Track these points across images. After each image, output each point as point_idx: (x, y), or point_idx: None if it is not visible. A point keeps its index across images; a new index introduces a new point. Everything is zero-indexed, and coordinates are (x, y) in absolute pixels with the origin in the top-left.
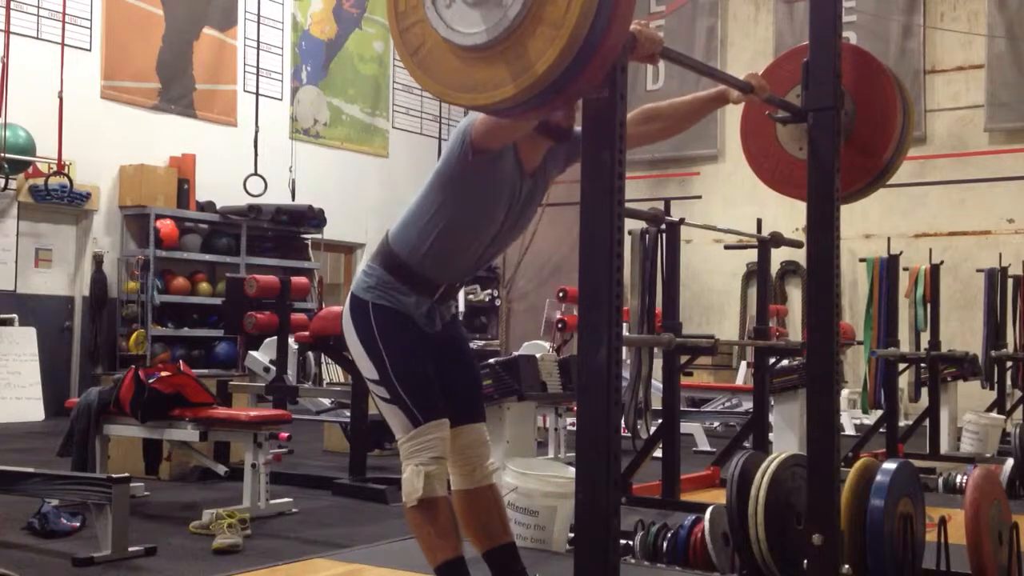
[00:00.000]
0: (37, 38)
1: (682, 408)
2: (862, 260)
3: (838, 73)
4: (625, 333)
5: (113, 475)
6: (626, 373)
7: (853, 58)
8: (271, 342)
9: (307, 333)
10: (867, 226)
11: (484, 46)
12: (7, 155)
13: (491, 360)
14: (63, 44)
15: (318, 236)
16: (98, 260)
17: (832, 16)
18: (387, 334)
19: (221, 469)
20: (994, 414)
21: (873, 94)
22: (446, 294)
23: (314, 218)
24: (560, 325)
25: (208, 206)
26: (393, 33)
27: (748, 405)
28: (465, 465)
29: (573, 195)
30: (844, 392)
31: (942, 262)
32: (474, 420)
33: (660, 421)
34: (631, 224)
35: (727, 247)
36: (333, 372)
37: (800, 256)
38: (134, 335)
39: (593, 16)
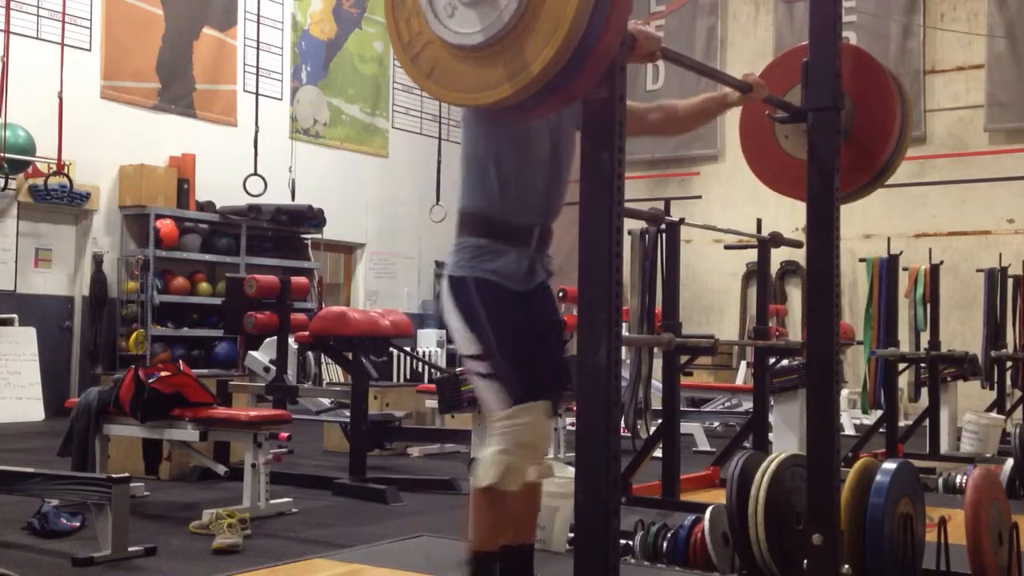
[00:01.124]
0: (37, 38)
1: (682, 408)
2: (862, 260)
3: (838, 73)
4: (625, 333)
5: (113, 475)
6: (626, 373)
7: (852, 58)
8: (271, 342)
9: (307, 333)
10: (867, 226)
11: (480, 46)
12: (7, 155)
13: None
14: (63, 44)
15: (318, 236)
16: (98, 260)
17: (832, 16)
18: (490, 308)
19: (221, 469)
20: (994, 414)
21: (872, 94)
22: (542, 240)
23: (314, 218)
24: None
25: (208, 206)
26: (391, 33)
27: (748, 405)
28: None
29: (573, 195)
30: (844, 392)
31: (942, 262)
32: (555, 410)
33: (660, 421)
34: (631, 224)
35: (727, 247)
36: (333, 372)
37: (800, 256)
38: (134, 335)
39: (589, 16)
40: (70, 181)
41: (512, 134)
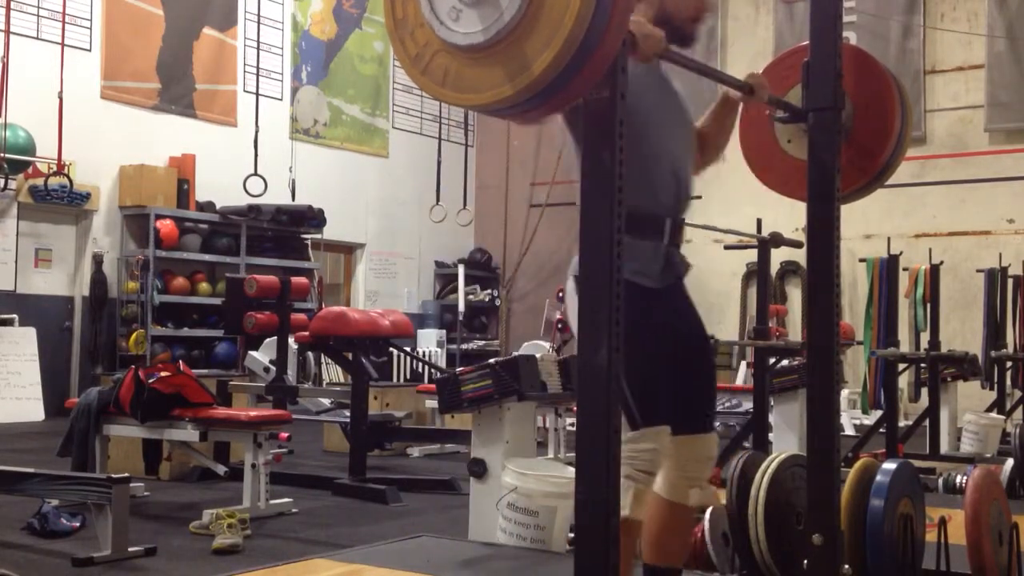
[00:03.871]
0: (37, 38)
1: None
2: (862, 260)
3: (839, 73)
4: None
5: (113, 475)
6: None
7: (852, 58)
8: (271, 342)
9: (307, 333)
10: (867, 226)
11: (481, 46)
12: (7, 155)
13: (491, 360)
14: (63, 44)
15: (318, 236)
16: (98, 260)
17: (833, 16)
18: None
19: (221, 469)
20: (994, 414)
21: (872, 95)
22: (675, 232)
23: (314, 218)
24: (560, 325)
25: (208, 206)
26: (398, 51)
27: (748, 405)
28: (681, 479)
29: (573, 195)
30: (844, 392)
31: (942, 262)
32: (702, 429)
33: None
34: None
35: (727, 247)
36: (333, 372)
37: (800, 256)
38: (134, 335)
39: (591, 17)
40: (70, 181)
41: (638, 121)
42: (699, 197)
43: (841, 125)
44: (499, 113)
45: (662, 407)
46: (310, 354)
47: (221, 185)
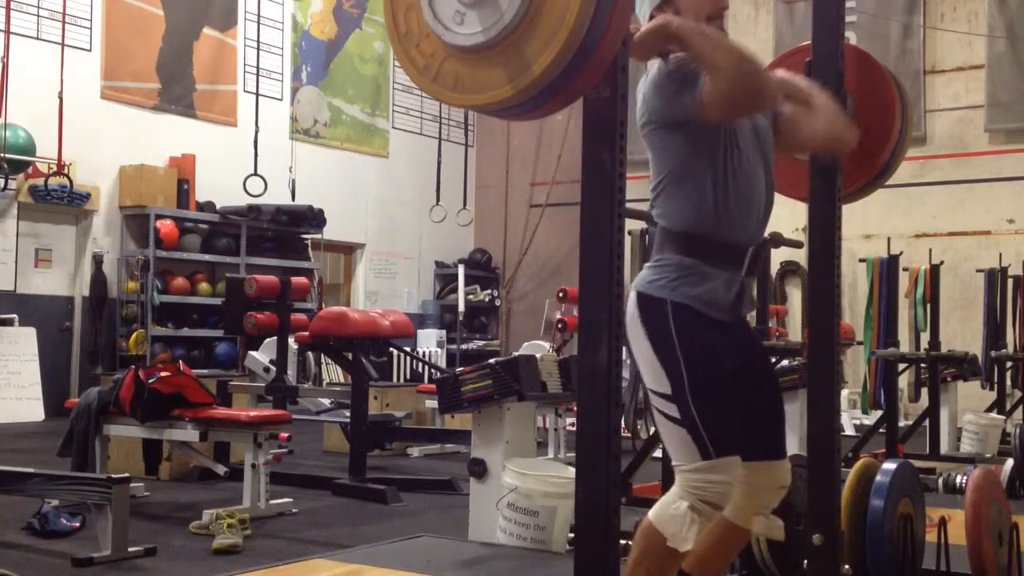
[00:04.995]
0: (37, 38)
1: None
2: (862, 260)
3: (841, 73)
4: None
5: (113, 475)
6: (626, 373)
7: (852, 59)
8: (271, 342)
9: (307, 333)
10: (867, 226)
11: (482, 47)
12: (7, 155)
13: (491, 360)
14: (63, 44)
15: (318, 236)
16: (98, 260)
17: (835, 16)
18: (689, 341)
19: (221, 469)
20: (994, 414)
21: (872, 95)
22: (753, 263)
23: (314, 218)
24: (560, 325)
25: (208, 206)
26: (404, 64)
27: None
28: (748, 505)
29: (573, 195)
30: (844, 392)
31: (942, 262)
32: (774, 456)
33: None
34: (631, 224)
35: None
36: (333, 372)
37: (800, 256)
38: (134, 335)
39: (591, 18)
40: (70, 181)
41: (722, 141)
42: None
43: None
44: (501, 113)
45: (734, 434)
46: (310, 354)
47: (221, 185)
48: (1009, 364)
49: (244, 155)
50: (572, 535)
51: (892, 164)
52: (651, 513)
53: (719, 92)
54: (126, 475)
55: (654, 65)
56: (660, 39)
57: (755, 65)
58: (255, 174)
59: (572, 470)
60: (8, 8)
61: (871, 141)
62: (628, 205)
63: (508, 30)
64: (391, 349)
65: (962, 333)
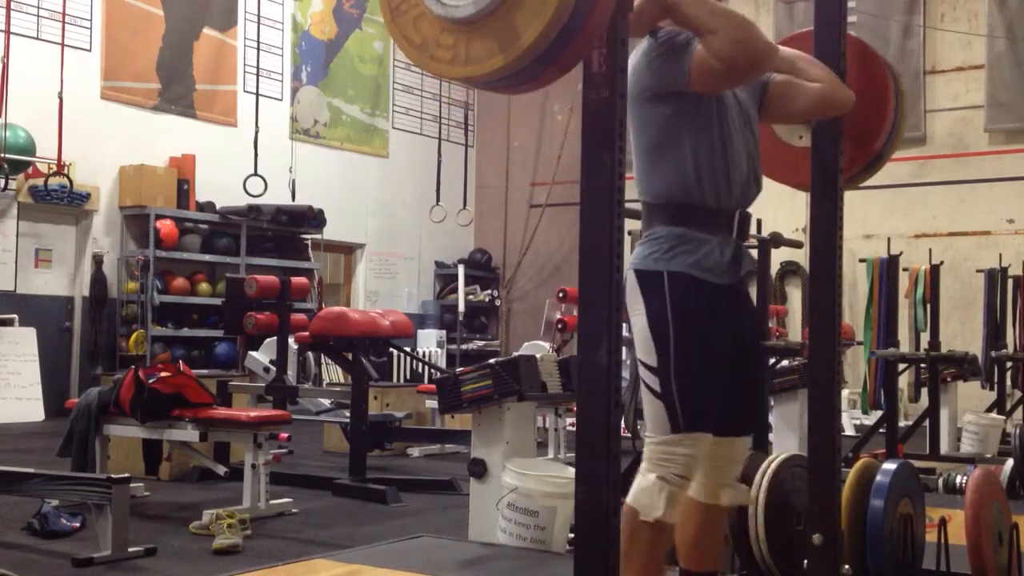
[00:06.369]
0: (37, 38)
1: None
2: (862, 260)
3: (843, 69)
4: (625, 333)
5: (113, 475)
6: (626, 373)
7: (848, 47)
8: (271, 342)
9: (307, 333)
10: (867, 226)
11: (473, 18)
12: (7, 155)
13: (491, 360)
14: (63, 44)
15: (318, 236)
16: (98, 260)
17: (836, 16)
18: (682, 315)
19: (221, 469)
20: (994, 414)
21: (866, 81)
22: (743, 225)
23: (314, 218)
24: (560, 325)
25: (208, 206)
26: (401, 43)
27: None
28: (712, 480)
29: (573, 195)
30: (844, 392)
31: (942, 262)
32: (738, 432)
33: None
34: (631, 224)
35: None
36: (333, 372)
37: (800, 256)
38: (134, 335)
39: None
40: (70, 181)
41: (699, 111)
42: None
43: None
44: (496, 85)
45: (708, 413)
46: (310, 354)
47: (221, 185)
48: (1009, 364)
49: (244, 155)
50: (572, 535)
51: (885, 153)
52: (628, 496)
53: (719, 56)
54: (126, 475)
55: (644, 40)
56: (658, 8)
57: (754, 28)
58: (255, 174)
59: (572, 470)
60: (8, 8)
61: (865, 128)
62: (628, 205)
63: (498, 1)
64: (391, 349)
65: (962, 333)
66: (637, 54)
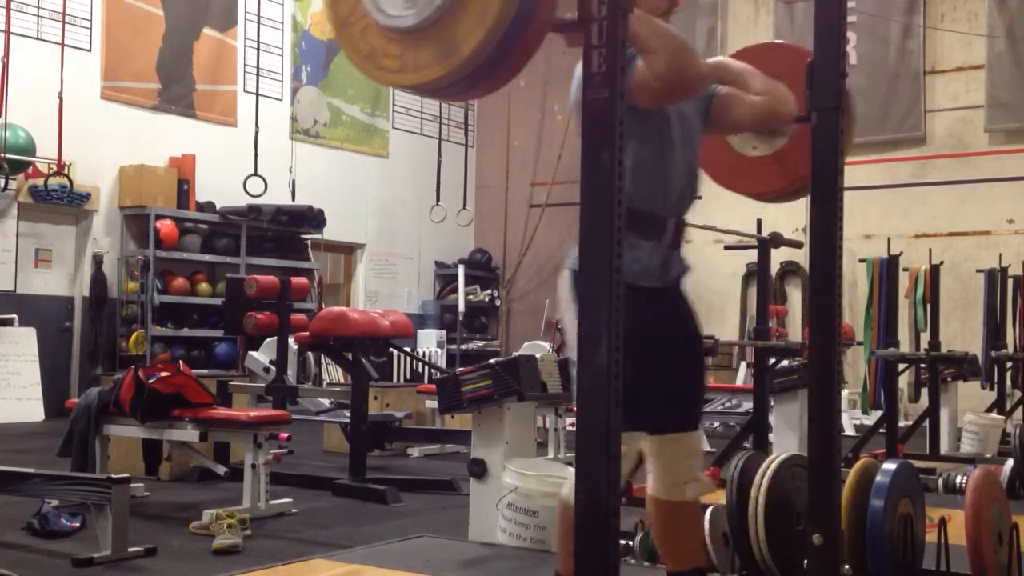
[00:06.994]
0: (37, 38)
1: None
2: (862, 260)
3: (843, 73)
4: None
5: (113, 475)
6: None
7: (787, 56)
8: (271, 342)
9: (307, 333)
10: (867, 226)
11: (416, 27)
12: (7, 155)
13: (491, 360)
14: (63, 44)
15: (318, 236)
16: (98, 260)
17: (836, 16)
18: None
19: (221, 469)
20: (994, 415)
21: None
22: (676, 234)
23: (314, 218)
24: (560, 325)
25: (208, 206)
26: (334, 26)
27: (748, 405)
28: (668, 476)
29: (573, 195)
30: (844, 392)
31: (942, 262)
32: (685, 428)
33: None
34: None
35: (727, 247)
36: (333, 372)
37: (800, 256)
38: (134, 335)
39: (517, 3)
40: (70, 181)
41: (643, 122)
42: (699, 197)
43: (791, 129)
44: (436, 94)
45: (640, 411)
46: (310, 354)
47: (221, 185)
48: (1009, 364)
49: (244, 155)
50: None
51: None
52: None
53: (656, 76)
54: (126, 475)
55: None
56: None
57: (690, 52)
58: (255, 174)
59: (572, 470)
60: (8, 8)
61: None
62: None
63: (441, 11)
64: (391, 349)
65: (962, 333)
66: (582, 65)
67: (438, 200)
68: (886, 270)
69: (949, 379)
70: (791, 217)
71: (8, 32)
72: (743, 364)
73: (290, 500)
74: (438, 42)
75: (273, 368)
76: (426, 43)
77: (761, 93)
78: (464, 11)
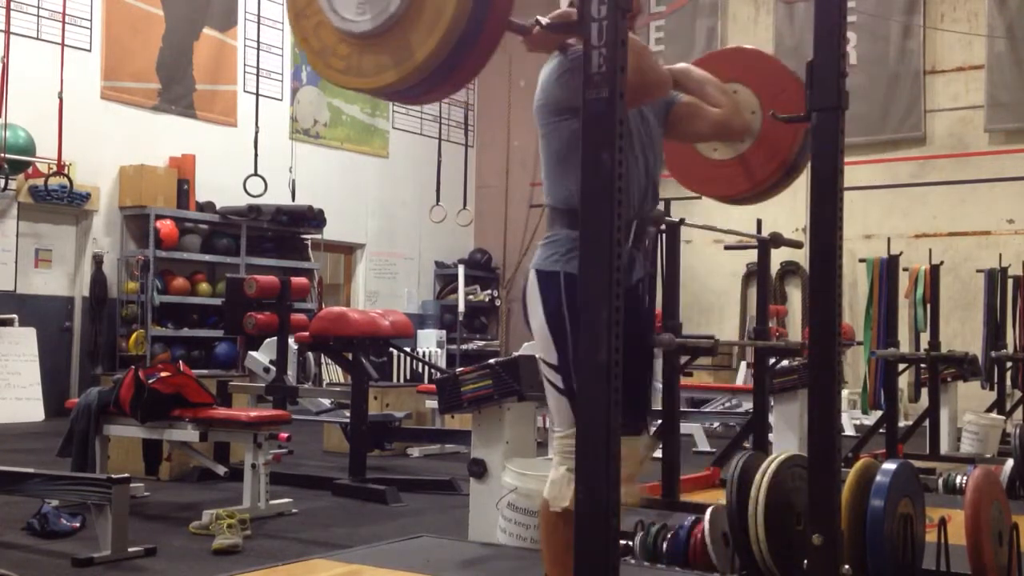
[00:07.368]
0: (37, 38)
1: (682, 408)
2: (862, 260)
3: (843, 73)
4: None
5: (113, 475)
6: None
7: (748, 59)
8: (271, 342)
9: (307, 333)
10: (867, 226)
11: (371, 34)
12: (7, 155)
13: (491, 360)
14: (63, 44)
15: (318, 236)
16: (98, 260)
17: (837, 16)
18: (577, 312)
19: (221, 469)
20: (994, 415)
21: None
22: (638, 232)
23: (314, 218)
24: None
25: (208, 206)
26: (289, 15)
27: (748, 405)
28: None
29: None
30: (844, 392)
31: (942, 262)
32: (632, 431)
33: (660, 421)
34: None
35: (727, 247)
36: (333, 372)
37: (800, 256)
38: (134, 335)
39: (471, 9)
40: (70, 181)
41: None
42: (699, 197)
43: (757, 130)
44: (391, 97)
45: None
46: (310, 354)
47: (221, 185)
48: (1009, 364)
49: (244, 155)
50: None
51: (800, 162)
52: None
53: None
54: (126, 475)
55: (555, 57)
56: (563, 31)
57: (650, 59)
58: (255, 174)
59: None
60: (8, 8)
61: (777, 138)
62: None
63: (394, 19)
64: (391, 349)
65: (962, 333)
66: (547, 69)
67: (438, 200)
68: (886, 270)
69: (949, 379)
70: (791, 217)
71: (8, 32)
72: (743, 364)
73: (290, 500)
74: (391, 49)
75: (273, 368)
76: (377, 49)
77: (718, 105)
78: (417, 19)
